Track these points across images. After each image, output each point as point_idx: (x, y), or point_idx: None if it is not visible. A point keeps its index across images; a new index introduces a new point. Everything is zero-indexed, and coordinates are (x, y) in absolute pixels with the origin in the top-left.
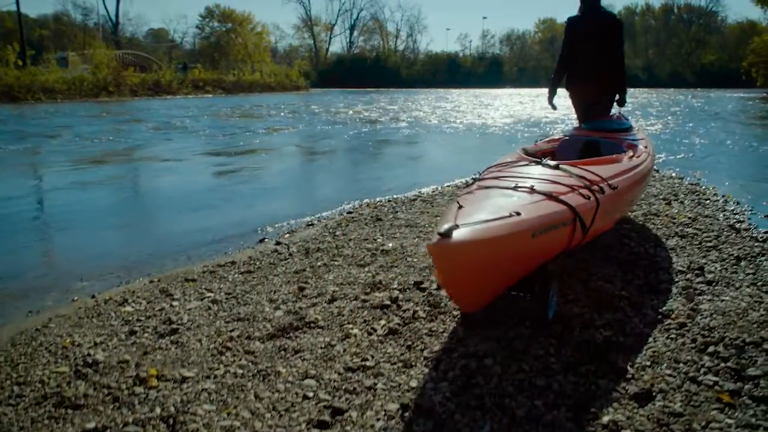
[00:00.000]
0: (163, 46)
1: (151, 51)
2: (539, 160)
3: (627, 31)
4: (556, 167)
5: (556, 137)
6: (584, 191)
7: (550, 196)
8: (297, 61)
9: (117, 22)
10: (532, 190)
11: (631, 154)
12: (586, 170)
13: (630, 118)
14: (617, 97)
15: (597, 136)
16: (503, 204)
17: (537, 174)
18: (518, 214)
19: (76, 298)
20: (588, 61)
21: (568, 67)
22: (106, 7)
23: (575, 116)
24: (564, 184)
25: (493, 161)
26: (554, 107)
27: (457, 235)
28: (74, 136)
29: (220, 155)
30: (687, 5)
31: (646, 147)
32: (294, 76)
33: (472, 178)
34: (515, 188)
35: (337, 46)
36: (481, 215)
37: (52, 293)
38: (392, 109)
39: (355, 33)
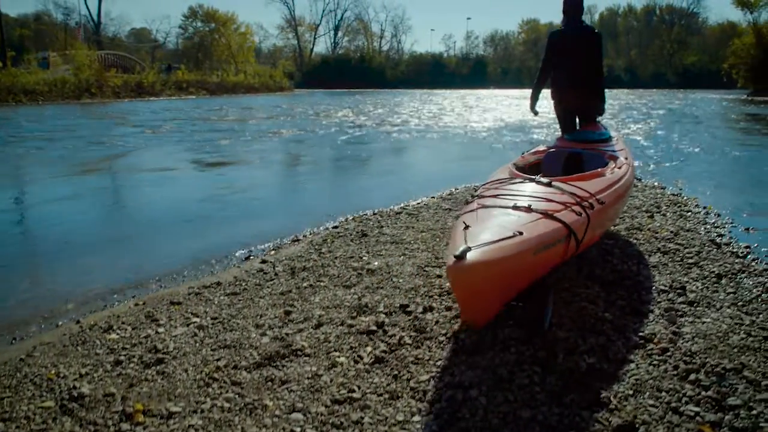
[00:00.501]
0: (146, 46)
1: (134, 51)
2: (532, 177)
3: (609, 32)
4: (549, 184)
5: (541, 149)
6: (576, 208)
7: (546, 215)
8: (281, 62)
9: (99, 22)
10: (529, 209)
11: (614, 166)
12: (576, 186)
13: (608, 127)
14: (596, 106)
15: (579, 147)
16: (505, 223)
17: (532, 192)
18: (520, 233)
19: (60, 323)
20: (571, 72)
21: (552, 77)
22: (87, 7)
23: (555, 119)
24: (557, 202)
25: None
26: (536, 113)
27: (470, 256)
28: (56, 142)
29: (203, 165)
30: (669, 6)
31: (626, 158)
32: (278, 77)
33: (471, 195)
34: (514, 207)
35: (322, 46)
36: (487, 235)
37: (36, 318)
38: (377, 112)
39: (340, 33)
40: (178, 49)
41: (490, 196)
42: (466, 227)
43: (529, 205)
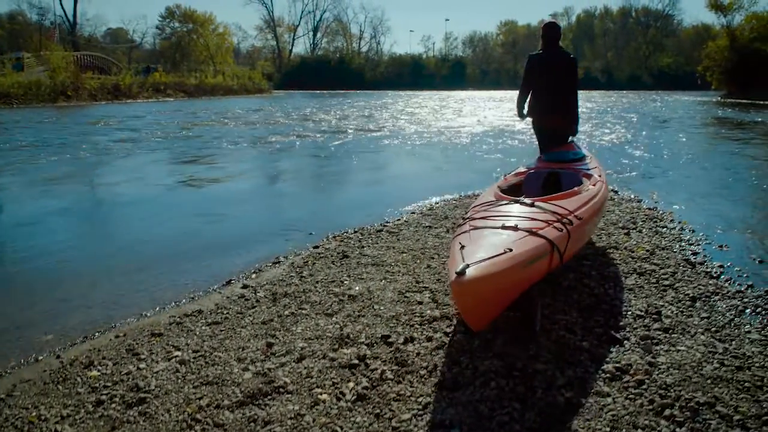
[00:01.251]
0: (123, 47)
1: (110, 52)
2: (516, 198)
3: (586, 34)
4: (532, 204)
5: (522, 170)
6: (557, 225)
7: (531, 232)
8: (260, 62)
9: (74, 22)
10: (516, 228)
11: (589, 183)
12: (556, 205)
13: (581, 146)
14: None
15: (557, 167)
16: (496, 242)
17: (517, 212)
18: (510, 250)
19: (40, 357)
20: (548, 96)
21: (530, 99)
22: (62, 7)
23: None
24: (540, 220)
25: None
26: (523, 117)
27: (469, 272)
28: (32, 150)
29: (180, 180)
30: (644, 8)
31: (599, 176)
32: (257, 79)
33: (462, 217)
34: (503, 227)
35: (301, 47)
36: (481, 253)
37: (15, 350)
38: (357, 116)
39: (319, 34)
40: (156, 50)
41: (480, 218)
42: (462, 247)
43: (516, 225)
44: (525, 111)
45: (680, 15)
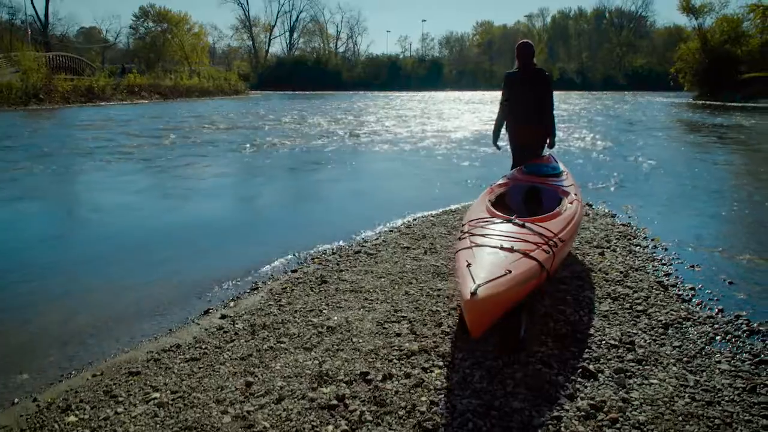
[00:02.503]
0: (96, 47)
1: (84, 52)
2: (509, 218)
3: (561, 35)
4: (523, 225)
5: (504, 182)
6: (545, 247)
7: (525, 255)
8: (236, 62)
9: (46, 22)
10: (512, 250)
11: (567, 202)
12: (543, 227)
13: (559, 162)
14: (548, 140)
15: (536, 180)
16: (497, 262)
17: (511, 232)
18: (510, 272)
19: (16, 399)
20: (524, 108)
21: (508, 114)
22: (34, 6)
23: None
24: (531, 242)
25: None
26: (498, 148)
27: (480, 292)
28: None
29: (154, 194)
30: (618, 10)
31: (576, 194)
32: (233, 80)
33: (461, 231)
34: (501, 248)
35: (277, 47)
36: (486, 274)
37: None
38: (337, 119)
39: (295, 34)
40: (130, 50)
41: (479, 235)
42: (469, 264)
43: (512, 246)
44: (502, 136)
45: (653, 16)
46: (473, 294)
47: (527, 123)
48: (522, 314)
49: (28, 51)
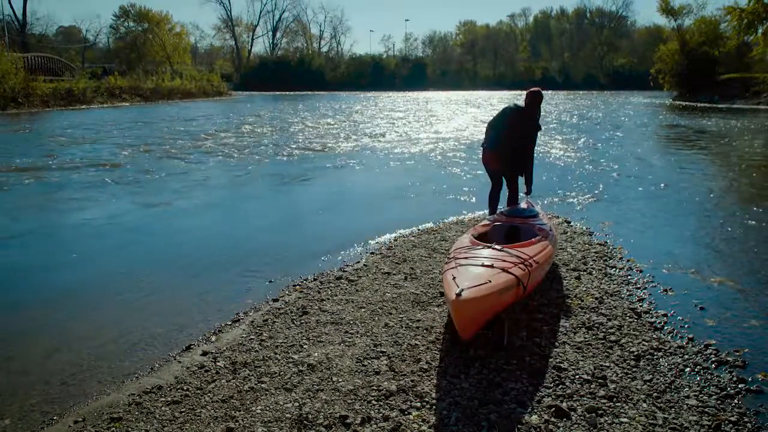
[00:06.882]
0: (76, 47)
1: (63, 52)
2: (489, 245)
3: (543, 35)
4: (501, 250)
5: (487, 223)
6: (521, 265)
7: (503, 270)
8: (219, 62)
9: (24, 21)
10: (492, 267)
11: (542, 235)
12: (519, 251)
13: (536, 206)
14: (526, 187)
15: (516, 221)
16: (479, 273)
17: (491, 255)
18: (489, 281)
19: None
20: (498, 132)
21: (485, 137)
22: (11, 5)
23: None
24: (509, 261)
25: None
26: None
27: (464, 294)
28: None
29: (131, 213)
30: (599, 9)
31: (550, 229)
32: (215, 81)
33: (448, 258)
34: (482, 265)
35: (260, 47)
36: (469, 282)
37: None
38: (320, 125)
39: (278, 34)
40: (110, 50)
41: (463, 258)
42: (454, 278)
43: (492, 264)
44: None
45: (633, 16)
46: (458, 295)
47: (493, 146)
48: (505, 324)
49: (5, 54)
